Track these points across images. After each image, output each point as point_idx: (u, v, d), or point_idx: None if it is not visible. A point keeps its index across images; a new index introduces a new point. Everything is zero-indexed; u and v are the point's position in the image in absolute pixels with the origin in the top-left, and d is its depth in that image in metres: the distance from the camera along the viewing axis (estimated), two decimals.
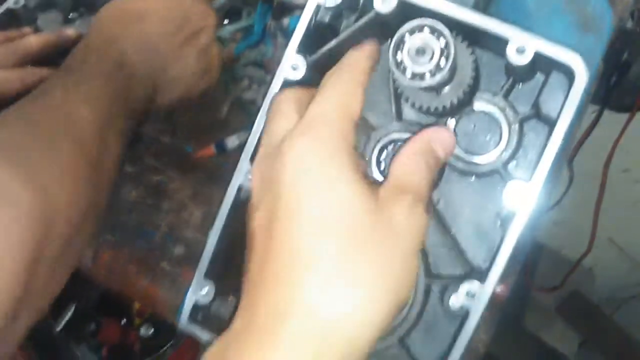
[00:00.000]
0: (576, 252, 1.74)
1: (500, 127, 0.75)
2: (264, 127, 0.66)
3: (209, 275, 0.76)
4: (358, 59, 0.66)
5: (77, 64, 0.83)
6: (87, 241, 0.78)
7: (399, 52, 0.68)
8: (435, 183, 0.67)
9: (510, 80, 0.75)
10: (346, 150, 0.57)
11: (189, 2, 0.92)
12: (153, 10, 0.88)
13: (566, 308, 2.42)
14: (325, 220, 0.54)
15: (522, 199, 0.66)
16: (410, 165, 0.62)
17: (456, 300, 0.70)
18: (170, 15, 0.89)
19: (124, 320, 1.63)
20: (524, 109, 0.75)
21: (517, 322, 2.30)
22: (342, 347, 0.52)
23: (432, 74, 0.67)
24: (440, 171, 0.74)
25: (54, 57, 1.07)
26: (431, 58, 0.66)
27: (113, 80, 0.82)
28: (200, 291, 0.76)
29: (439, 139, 0.66)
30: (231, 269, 0.81)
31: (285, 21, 1.14)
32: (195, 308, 0.76)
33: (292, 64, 0.73)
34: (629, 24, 1.22)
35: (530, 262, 2.09)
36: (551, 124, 0.72)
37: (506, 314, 0.99)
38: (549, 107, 0.73)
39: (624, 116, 1.40)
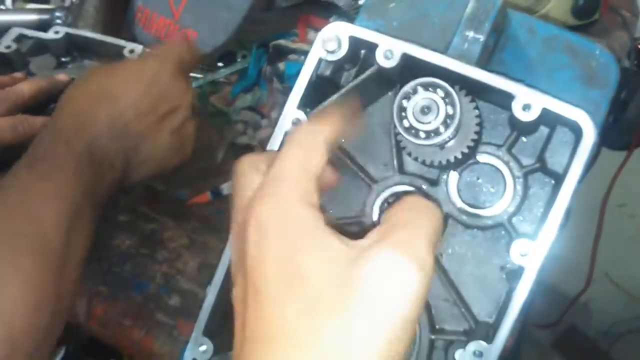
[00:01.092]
0: (572, 288, 1.73)
1: (505, 180, 0.74)
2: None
3: (207, 331, 0.74)
4: (324, 114, 0.62)
5: (43, 153, 0.80)
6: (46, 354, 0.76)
7: (405, 100, 0.67)
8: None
9: (515, 133, 0.74)
10: (307, 206, 0.52)
11: (165, 81, 0.89)
12: (126, 90, 0.86)
13: (563, 344, 2.41)
14: (294, 289, 0.48)
15: (529, 257, 0.65)
16: (404, 213, 0.56)
17: (461, 357, 0.68)
18: (144, 95, 0.86)
19: None
20: (529, 161, 0.74)
21: (514, 358, 2.27)
22: None
23: (437, 133, 0.66)
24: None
25: (46, 102, 1.06)
26: (436, 117, 0.65)
27: (82, 172, 0.79)
28: (198, 348, 0.74)
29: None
30: (231, 324, 0.79)
31: (281, 66, 1.14)
32: None
33: (293, 118, 0.72)
34: (626, 63, 1.22)
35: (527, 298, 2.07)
36: (557, 178, 0.71)
37: (505, 358, 0.97)
38: (554, 160, 0.72)
39: (621, 154, 1.39)
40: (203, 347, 0.74)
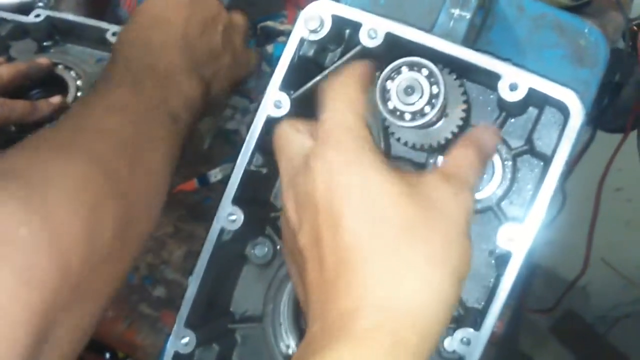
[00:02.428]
0: (569, 272, 1.72)
1: (493, 163, 0.73)
2: (277, 157, 0.66)
3: (189, 323, 0.72)
4: (355, 67, 0.66)
5: (103, 79, 0.81)
6: (122, 273, 0.71)
7: (389, 81, 0.65)
8: (482, 174, 0.67)
9: (503, 115, 0.72)
10: (369, 147, 0.58)
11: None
12: (173, 12, 0.88)
13: (560, 328, 2.40)
14: (369, 214, 0.54)
15: (517, 242, 0.63)
16: (459, 156, 0.63)
17: (450, 344, 0.67)
18: (191, 10, 0.89)
19: (107, 355, 1.60)
20: (517, 143, 0.72)
21: (511, 343, 2.27)
22: (414, 337, 0.52)
23: (422, 114, 0.64)
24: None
25: (27, 86, 1.04)
26: (420, 97, 0.63)
27: (143, 85, 0.79)
28: (180, 341, 0.72)
29: (486, 135, 0.66)
30: (213, 315, 0.78)
31: (269, 48, 1.12)
32: (176, 358, 0.72)
33: (275, 100, 0.70)
34: (621, 45, 1.20)
35: (524, 283, 2.07)
36: (546, 160, 0.70)
37: (499, 336, 0.97)
38: (542, 142, 0.70)
39: (616, 137, 1.38)
40: (185, 340, 0.72)
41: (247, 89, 1.12)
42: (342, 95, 0.63)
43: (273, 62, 1.13)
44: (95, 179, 0.66)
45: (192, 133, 0.84)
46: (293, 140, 0.64)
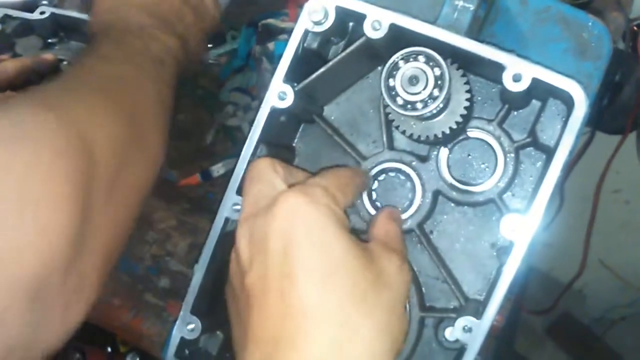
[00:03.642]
0: (566, 274, 1.72)
1: (496, 156, 0.73)
2: (243, 189, 0.67)
3: (195, 310, 0.73)
4: (363, 174, 0.73)
5: (86, 47, 0.83)
6: (145, 178, 0.73)
7: (391, 79, 0.66)
8: None
9: (506, 107, 0.72)
10: (339, 212, 0.60)
11: None
12: None
13: (557, 330, 2.41)
14: (325, 275, 0.56)
15: (519, 232, 0.64)
16: (391, 229, 0.68)
17: (451, 333, 0.67)
18: None
19: (109, 349, 1.60)
20: (520, 136, 0.73)
21: (508, 345, 2.27)
22: None
23: (426, 104, 0.65)
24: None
25: (32, 82, 1.05)
26: (425, 87, 0.64)
27: (125, 42, 0.82)
28: (186, 327, 0.73)
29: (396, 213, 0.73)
30: (218, 303, 0.78)
31: (270, 45, 1.12)
32: (182, 344, 0.73)
33: (280, 92, 0.71)
34: (621, 45, 1.21)
35: (521, 284, 2.07)
36: (548, 152, 0.70)
37: (496, 336, 0.97)
38: (545, 134, 0.71)
39: (615, 138, 1.38)
40: (191, 326, 0.73)
41: (250, 85, 1.13)
42: (339, 176, 0.66)
43: (274, 59, 1.14)
44: (103, 102, 0.68)
45: (190, 124, 0.86)
46: (267, 178, 0.65)
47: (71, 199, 0.56)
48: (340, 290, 0.55)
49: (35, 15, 1.13)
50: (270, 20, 1.14)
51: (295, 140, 0.81)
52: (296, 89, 0.72)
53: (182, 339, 0.73)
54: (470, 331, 0.65)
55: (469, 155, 0.75)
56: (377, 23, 0.67)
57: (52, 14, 1.13)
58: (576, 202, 1.47)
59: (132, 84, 0.75)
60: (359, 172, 0.74)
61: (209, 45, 1.19)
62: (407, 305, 0.72)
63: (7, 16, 1.12)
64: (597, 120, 1.30)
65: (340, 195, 0.63)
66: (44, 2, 1.19)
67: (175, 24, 0.91)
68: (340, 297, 0.55)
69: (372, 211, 0.75)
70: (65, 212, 0.56)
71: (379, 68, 0.77)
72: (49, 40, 1.16)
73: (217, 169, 1.07)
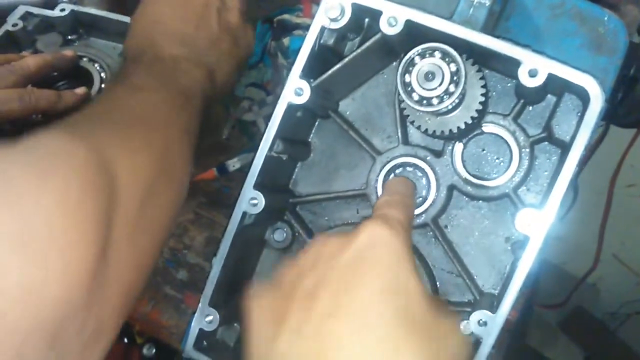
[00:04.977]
0: (579, 268, 1.72)
1: (511, 150, 0.74)
2: None
3: (213, 303, 0.74)
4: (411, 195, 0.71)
5: (118, 74, 0.85)
6: (171, 209, 0.73)
7: (407, 75, 0.67)
8: None
9: (521, 102, 0.73)
10: (411, 250, 0.60)
11: None
12: (167, 11, 0.92)
13: (570, 324, 2.40)
14: (388, 289, 0.56)
15: (535, 227, 0.64)
16: None
17: (466, 327, 0.68)
18: (177, 4, 0.92)
19: (125, 340, 1.61)
20: (535, 131, 0.73)
21: (521, 339, 2.27)
22: None
23: (441, 100, 0.65)
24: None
25: (53, 78, 1.06)
26: (441, 83, 0.65)
27: (155, 72, 0.82)
28: (205, 319, 0.74)
29: None
30: (235, 295, 0.79)
31: (285, 41, 1.13)
32: (200, 335, 0.74)
33: (296, 88, 0.71)
34: (635, 39, 1.20)
35: (535, 278, 2.07)
36: (564, 146, 0.71)
37: (509, 330, 0.98)
38: (561, 129, 0.71)
39: (629, 131, 1.38)
40: (209, 318, 0.74)
41: (265, 81, 1.14)
42: (409, 209, 0.67)
43: (289, 54, 1.14)
44: (133, 135, 0.69)
45: (206, 118, 0.86)
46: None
47: (94, 240, 0.57)
48: (395, 307, 0.55)
49: (56, 13, 1.14)
50: (285, 16, 1.14)
51: (311, 136, 0.82)
52: (313, 85, 0.72)
53: (200, 330, 0.74)
54: (485, 325, 0.66)
55: (483, 150, 0.75)
56: (393, 19, 0.67)
57: (72, 11, 1.14)
58: (590, 196, 1.46)
59: (162, 115, 0.76)
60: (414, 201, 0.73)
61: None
62: None
63: (28, 13, 1.14)
64: (611, 114, 1.29)
65: (410, 231, 0.64)
66: (65, 0, 1.20)
67: (207, 53, 0.90)
68: (393, 313, 0.55)
69: None
70: (88, 252, 0.56)
71: (394, 64, 0.78)
72: (69, 37, 1.17)
73: (233, 164, 1.08)
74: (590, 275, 1.68)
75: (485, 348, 0.66)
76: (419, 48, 0.66)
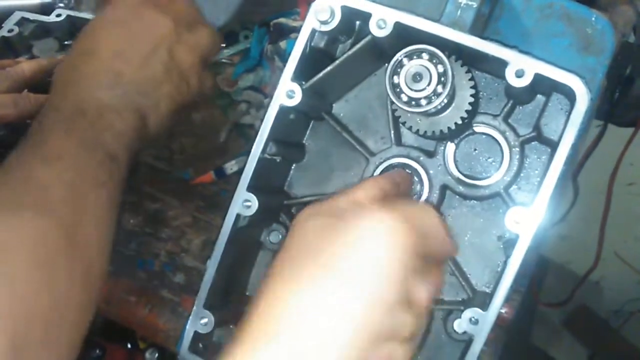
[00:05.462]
0: (582, 267, 1.72)
1: (502, 150, 0.74)
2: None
3: (208, 305, 0.75)
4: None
5: (36, 125, 0.76)
6: (85, 318, 0.72)
7: (395, 77, 0.68)
8: None
9: (511, 102, 0.74)
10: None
11: (139, 18, 0.83)
12: (104, 41, 0.82)
13: (573, 323, 2.40)
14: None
15: (524, 225, 0.65)
16: None
17: (459, 326, 0.69)
18: (123, 39, 0.82)
19: (129, 345, 1.61)
20: (525, 131, 0.74)
21: (525, 337, 2.27)
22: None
23: (430, 100, 0.66)
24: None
25: (49, 84, 1.07)
26: (428, 84, 0.66)
27: (75, 129, 0.75)
28: (199, 321, 0.75)
29: None
30: (231, 297, 0.80)
31: (282, 44, 1.14)
32: (195, 338, 0.75)
33: (288, 90, 0.72)
34: (631, 39, 1.20)
35: (537, 277, 2.07)
36: (553, 146, 0.71)
37: (513, 330, 0.98)
38: (550, 129, 0.72)
39: (628, 131, 1.38)
40: (204, 320, 0.75)
41: (263, 84, 1.14)
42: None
43: (286, 58, 1.15)
44: (48, 232, 0.68)
45: (131, 170, 0.81)
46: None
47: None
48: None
49: (52, 18, 1.15)
50: (282, 20, 1.15)
51: (305, 138, 0.83)
52: (304, 87, 0.73)
53: (195, 333, 0.74)
54: (476, 323, 0.67)
55: (475, 150, 0.76)
56: (382, 22, 0.68)
57: (68, 16, 1.15)
58: (590, 195, 1.46)
59: (78, 197, 0.72)
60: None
61: (222, 45, 1.20)
62: None
63: (24, 19, 1.14)
64: (609, 114, 1.30)
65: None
66: (61, 5, 1.21)
67: (144, 95, 0.81)
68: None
69: None
70: None
71: (386, 65, 0.78)
72: (65, 42, 1.17)
73: (231, 167, 1.09)
74: (593, 274, 1.68)
75: (477, 345, 0.67)
76: (407, 50, 0.66)
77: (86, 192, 0.72)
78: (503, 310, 0.93)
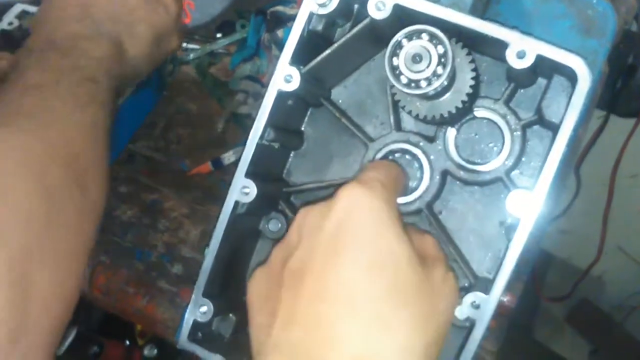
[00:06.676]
0: (585, 261, 1.71)
1: (503, 134, 0.73)
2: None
3: (207, 293, 0.74)
4: (401, 172, 0.71)
5: (15, 65, 0.78)
6: (88, 219, 0.72)
7: (394, 58, 0.67)
8: None
9: (512, 85, 0.72)
10: (395, 208, 0.60)
11: None
12: None
13: (576, 317, 2.39)
14: (372, 264, 0.55)
15: (525, 208, 0.64)
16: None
17: (461, 311, 0.67)
18: None
19: (127, 342, 1.61)
20: (527, 114, 0.73)
21: (527, 332, 2.27)
22: None
23: (429, 82, 0.65)
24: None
25: None
26: (428, 65, 0.64)
27: (50, 60, 0.76)
28: (198, 310, 0.74)
29: None
30: (230, 286, 0.79)
31: (279, 33, 1.13)
32: (194, 327, 0.74)
33: (286, 75, 0.71)
34: (634, 27, 1.20)
35: (539, 271, 2.06)
36: (555, 129, 0.70)
37: (516, 324, 0.97)
38: (551, 112, 0.71)
39: (630, 121, 1.37)
40: (203, 309, 0.74)
41: (260, 73, 1.14)
42: (392, 172, 0.66)
43: (283, 46, 1.14)
44: (35, 145, 0.68)
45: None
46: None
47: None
48: (382, 282, 0.54)
49: None
50: (279, 8, 1.14)
51: (304, 125, 0.82)
52: (302, 71, 0.72)
53: (194, 321, 0.73)
54: (478, 307, 0.66)
55: (476, 134, 0.75)
56: (380, 3, 0.67)
57: None
58: (593, 188, 1.46)
59: (62, 118, 0.72)
60: (402, 170, 0.73)
61: (218, 35, 1.19)
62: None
63: (25, 12, 1.14)
64: (611, 104, 1.29)
65: (394, 191, 0.63)
66: None
67: (115, 22, 0.82)
68: (381, 289, 0.54)
69: None
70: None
71: (385, 50, 0.77)
72: None
73: (228, 157, 1.08)
74: (595, 268, 1.67)
75: (479, 331, 0.66)
76: (406, 30, 0.65)
77: (69, 114, 0.73)
78: (505, 299, 0.92)
